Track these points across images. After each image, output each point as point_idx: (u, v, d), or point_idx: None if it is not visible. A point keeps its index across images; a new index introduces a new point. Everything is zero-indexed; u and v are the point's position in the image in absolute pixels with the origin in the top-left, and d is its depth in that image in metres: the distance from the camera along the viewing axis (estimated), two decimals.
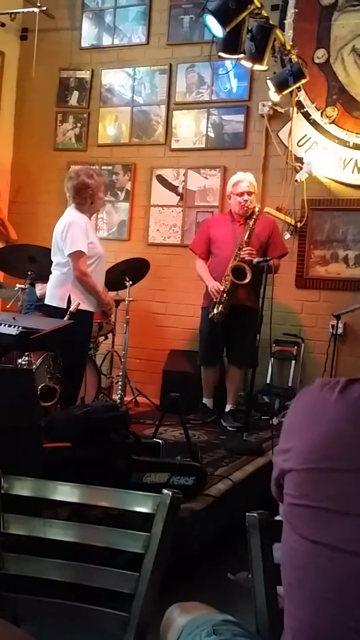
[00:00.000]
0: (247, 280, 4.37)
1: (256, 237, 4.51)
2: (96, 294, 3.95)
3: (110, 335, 5.09)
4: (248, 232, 4.48)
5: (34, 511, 1.43)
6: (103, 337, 4.96)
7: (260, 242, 4.54)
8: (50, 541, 1.34)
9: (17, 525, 1.35)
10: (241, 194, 4.56)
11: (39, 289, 4.62)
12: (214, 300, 4.49)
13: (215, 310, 4.49)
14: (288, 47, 4.69)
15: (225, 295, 4.45)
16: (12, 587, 1.34)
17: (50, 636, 1.34)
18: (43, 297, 4.55)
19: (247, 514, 1.25)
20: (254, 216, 4.50)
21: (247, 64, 4.33)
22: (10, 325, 3.00)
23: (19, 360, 3.71)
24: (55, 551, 1.34)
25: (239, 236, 4.53)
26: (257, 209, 4.53)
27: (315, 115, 5.21)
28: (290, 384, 5.17)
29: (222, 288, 4.46)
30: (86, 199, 3.98)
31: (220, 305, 4.47)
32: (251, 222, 4.49)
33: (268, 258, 4.34)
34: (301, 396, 1.08)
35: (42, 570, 1.34)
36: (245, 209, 4.54)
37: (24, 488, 1.36)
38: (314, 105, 5.22)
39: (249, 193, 4.56)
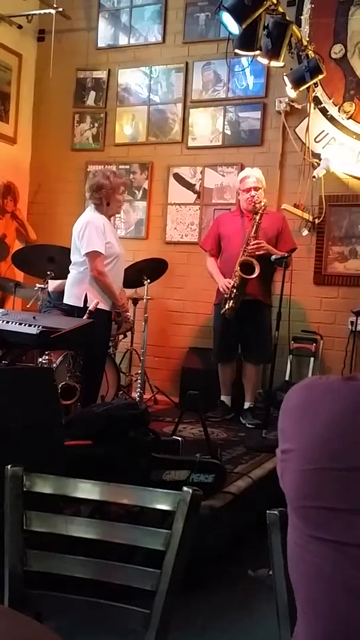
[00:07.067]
0: (255, 275, 4.39)
1: (263, 232, 4.53)
2: (111, 294, 3.97)
3: (129, 334, 5.11)
4: (255, 226, 4.49)
5: (55, 508, 1.44)
6: (122, 336, 4.99)
7: (267, 237, 4.54)
8: (71, 538, 1.35)
9: (39, 523, 1.37)
10: (248, 190, 4.58)
11: (50, 284, 4.65)
12: (225, 296, 4.52)
13: (226, 306, 4.51)
14: (305, 43, 4.67)
15: (235, 290, 4.47)
16: (36, 584, 1.35)
17: (73, 633, 1.35)
18: (54, 292, 4.59)
19: (267, 511, 1.25)
20: (261, 211, 4.50)
21: (264, 61, 4.32)
22: (30, 325, 3.03)
23: (40, 359, 3.76)
24: (76, 548, 1.35)
25: (247, 232, 4.54)
26: (263, 204, 4.53)
27: (333, 110, 5.17)
28: None
29: (231, 284, 4.47)
30: (101, 199, 3.99)
31: (231, 301, 4.49)
32: (257, 217, 4.49)
33: (286, 254, 4.35)
34: (292, 394, 1.02)
35: (64, 567, 1.35)
36: (253, 204, 4.55)
37: (45, 486, 1.38)
38: (331, 100, 5.18)
39: (256, 188, 4.57)
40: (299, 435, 0.97)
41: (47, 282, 4.50)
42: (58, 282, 4.59)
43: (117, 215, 5.73)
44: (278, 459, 1.02)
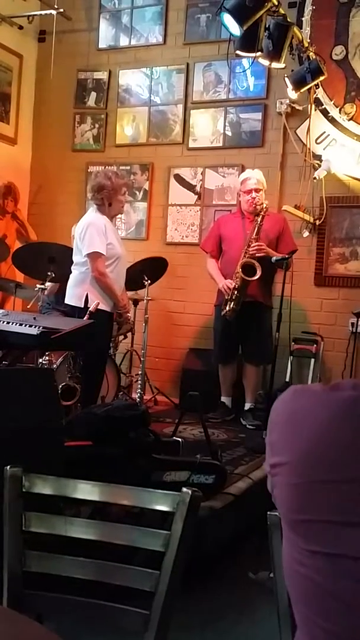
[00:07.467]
0: (256, 277, 4.39)
1: (264, 233, 4.53)
2: (112, 295, 3.97)
3: (129, 335, 5.11)
4: (256, 228, 4.49)
5: (55, 509, 1.44)
6: (122, 336, 4.99)
7: (268, 239, 4.54)
8: (71, 539, 1.35)
9: (38, 524, 1.36)
10: (249, 192, 4.59)
11: (47, 286, 4.66)
12: (226, 297, 4.51)
13: (227, 307, 4.51)
14: (306, 44, 4.67)
15: (236, 292, 4.47)
16: (36, 584, 1.35)
17: (72, 633, 1.35)
18: (49, 295, 4.59)
19: (268, 513, 1.24)
20: (262, 212, 4.50)
21: (265, 62, 4.31)
22: (30, 325, 3.03)
23: (40, 360, 3.75)
24: (76, 549, 1.35)
25: (248, 233, 4.54)
26: (265, 205, 4.53)
27: (334, 112, 5.17)
28: (309, 382, 5.15)
29: (232, 285, 4.47)
30: (103, 200, 3.99)
31: (232, 302, 4.49)
32: (259, 219, 4.49)
33: (287, 256, 4.35)
34: (279, 407, 1.01)
35: (64, 568, 1.35)
36: (254, 206, 4.55)
37: (45, 486, 1.37)
38: (332, 102, 5.18)
39: (257, 190, 4.57)
40: (288, 449, 0.96)
41: (47, 284, 4.49)
42: (52, 284, 4.59)
43: (118, 216, 5.75)
44: (268, 473, 1.02)
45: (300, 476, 0.94)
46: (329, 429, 0.93)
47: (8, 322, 3.09)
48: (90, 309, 3.62)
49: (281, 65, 4.31)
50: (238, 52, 4.22)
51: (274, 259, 4.37)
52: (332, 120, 5.18)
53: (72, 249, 4.13)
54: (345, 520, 0.89)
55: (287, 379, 5.12)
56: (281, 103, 5.29)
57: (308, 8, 5.27)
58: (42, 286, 4.40)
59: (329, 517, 0.91)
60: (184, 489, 1.28)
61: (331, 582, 0.91)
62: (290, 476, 0.95)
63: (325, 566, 0.91)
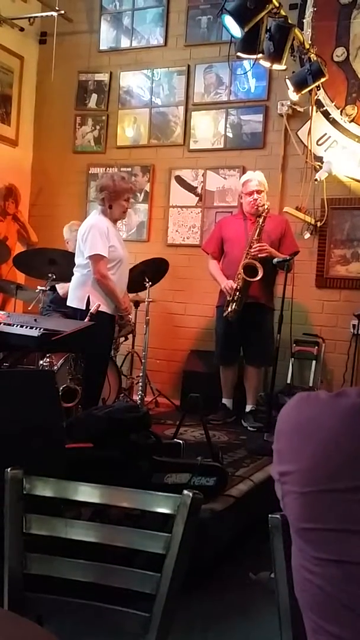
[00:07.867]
0: (258, 277, 4.39)
1: (267, 234, 4.53)
2: (114, 298, 3.96)
3: (130, 336, 5.11)
4: (258, 229, 4.49)
5: (56, 511, 1.44)
6: (123, 338, 4.99)
7: (270, 240, 4.54)
8: (72, 541, 1.34)
9: (39, 526, 1.36)
10: (250, 193, 4.59)
11: (60, 287, 4.65)
12: (228, 298, 4.51)
13: (229, 309, 4.51)
14: (307, 46, 4.67)
15: (238, 293, 4.47)
16: (36, 587, 1.35)
17: (72, 636, 1.35)
18: (66, 295, 4.58)
19: (269, 515, 1.24)
20: (264, 214, 4.51)
21: (266, 64, 4.32)
22: (31, 327, 3.03)
23: (41, 362, 3.75)
24: (76, 551, 1.35)
25: (250, 235, 4.54)
26: (266, 207, 4.54)
27: (335, 113, 5.18)
28: (311, 384, 5.15)
29: (235, 286, 4.47)
30: (104, 201, 3.98)
31: (234, 303, 4.49)
32: (261, 220, 4.50)
33: (288, 257, 4.35)
34: (285, 414, 1.01)
35: (65, 571, 1.35)
36: (256, 207, 4.55)
37: (46, 489, 1.37)
38: (333, 103, 5.19)
39: (259, 191, 4.58)
40: (295, 458, 0.97)
41: (49, 285, 4.49)
42: (66, 284, 4.58)
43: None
44: (276, 480, 1.02)
45: (307, 485, 0.94)
46: (334, 436, 0.93)
47: (9, 324, 3.09)
48: (91, 310, 3.61)
49: (282, 66, 4.30)
50: (239, 53, 4.22)
51: (275, 260, 4.38)
52: (334, 122, 5.18)
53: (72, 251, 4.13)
54: (352, 528, 0.90)
55: (289, 381, 5.12)
56: (282, 105, 5.29)
57: (309, 10, 5.27)
58: (43, 288, 4.40)
59: (336, 526, 0.91)
60: (185, 491, 1.28)
61: (340, 589, 0.92)
62: (297, 485, 0.95)
63: (333, 574, 0.92)
